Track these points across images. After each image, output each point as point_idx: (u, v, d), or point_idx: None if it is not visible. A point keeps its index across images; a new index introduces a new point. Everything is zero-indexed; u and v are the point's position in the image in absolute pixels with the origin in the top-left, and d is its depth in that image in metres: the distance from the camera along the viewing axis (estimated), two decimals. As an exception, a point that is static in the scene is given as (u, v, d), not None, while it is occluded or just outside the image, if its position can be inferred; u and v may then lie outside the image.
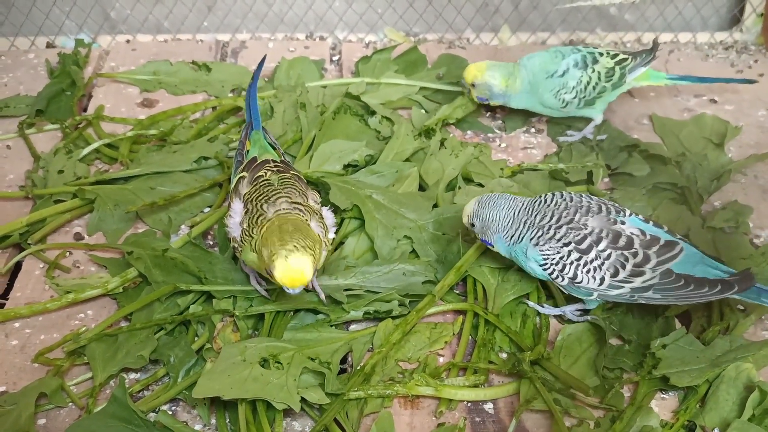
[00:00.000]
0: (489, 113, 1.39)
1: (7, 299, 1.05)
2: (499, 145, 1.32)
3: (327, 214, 0.99)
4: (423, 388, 0.90)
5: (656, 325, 1.00)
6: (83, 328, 0.99)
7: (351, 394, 0.89)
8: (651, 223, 0.96)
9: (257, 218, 0.93)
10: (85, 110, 1.40)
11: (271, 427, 0.87)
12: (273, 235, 0.88)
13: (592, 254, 0.93)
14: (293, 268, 0.86)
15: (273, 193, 0.95)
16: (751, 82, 1.40)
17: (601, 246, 0.93)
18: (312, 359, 0.93)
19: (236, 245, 0.96)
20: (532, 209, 0.97)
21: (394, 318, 0.99)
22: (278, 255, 0.86)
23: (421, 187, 1.18)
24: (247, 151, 1.06)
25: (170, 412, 0.91)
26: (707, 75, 1.49)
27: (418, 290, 1.01)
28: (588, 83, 1.24)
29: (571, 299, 1.01)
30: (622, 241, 0.93)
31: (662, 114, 1.37)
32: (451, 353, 0.98)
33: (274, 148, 1.07)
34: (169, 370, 0.94)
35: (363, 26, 1.63)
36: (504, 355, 0.97)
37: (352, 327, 1.01)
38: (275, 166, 1.00)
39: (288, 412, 0.89)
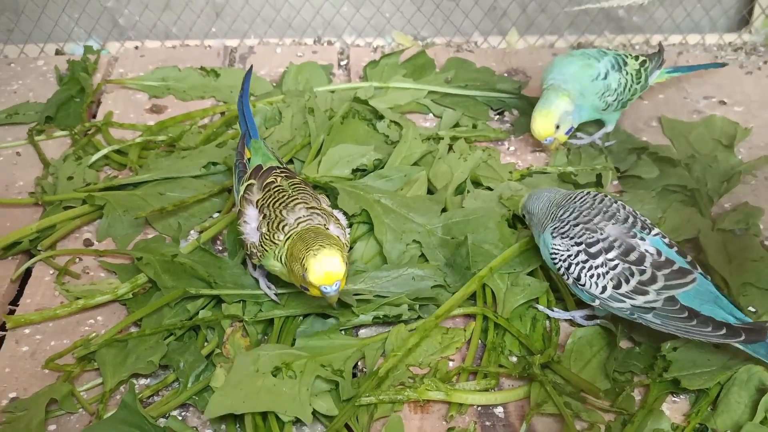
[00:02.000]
0: (498, 117, 1.39)
1: (17, 306, 1.06)
2: (508, 148, 1.32)
3: (340, 215, 1.00)
4: (434, 393, 0.90)
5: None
6: (93, 334, 0.99)
7: (362, 400, 0.89)
8: (675, 249, 0.94)
9: (278, 224, 0.94)
10: (94, 117, 1.41)
11: (281, 432, 0.88)
12: (297, 246, 0.90)
13: (600, 260, 0.92)
14: (326, 264, 0.88)
15: (289, 199, 0.96)
16: (722, 65, 1.45)
17: (611, 255, 0.92)
18: (324, 366, 0.93)
19: (255, 250, 0.96)
20: (563, 201, 0.97)
21: (405, 323, 0.99)
22: (308, 257, 0.88)
23: (430, 191, 1.18)
24: (248, 159, 1.06)
25: (180, 418, 0.92)
26: (716, 77, 1.49)
27: (427, 294, 1.01)
28: (625, 85, 1.24)
29: (581, 304, 1.00)
30: (633, 256, 0.91)
31: (671, 116, 1.37)
32: (461, 357, 0.98)
33: (274, 156, 1.07)
34: (179, 375, 0.94)
35: (371, 30, 1.63)
36: (514, 359, 0.97)
37: (362, 332, 1.01)
38: (282, 172, 1.01)
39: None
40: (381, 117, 1.31)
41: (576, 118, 1.23)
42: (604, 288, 0.92)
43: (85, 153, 1.27)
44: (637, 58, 1.26)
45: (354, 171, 1.20)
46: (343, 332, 1.00)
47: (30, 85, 1.48)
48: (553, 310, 1.01)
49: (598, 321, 0.99)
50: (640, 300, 0.91)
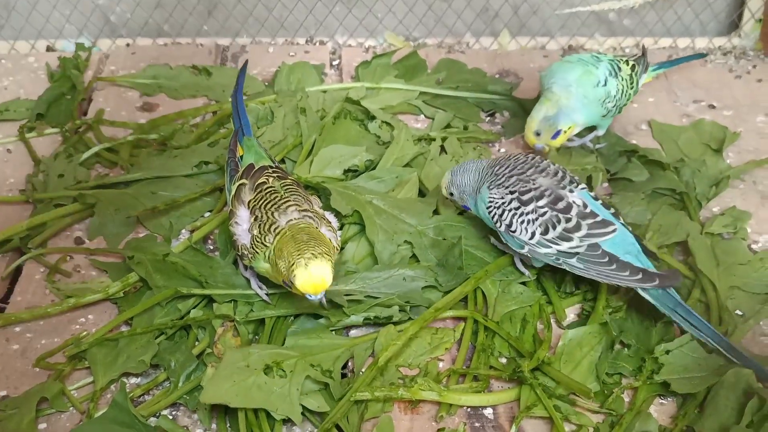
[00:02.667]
0: (489, 118, 1.39)
1: (7, 303, 1.05)
2: (499, 150, 1.32)
3: (331, 218, 1.00)
4: (427, 393, 0.91)
5: (655, 329, 1.00)
6: (84, 333, 0.99)
7: (357, 395, 0.89)
8: (600, 202, 1.01)
9: (269, 226, 0.94)
10: (85, 114, 1.41)
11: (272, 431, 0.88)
12: (288, 246, 0.90)
13: (530, 207, 0.99)
14: (315, 275, 0.88)
15: (281, 201, 0.96)
16: (703, 55, 1.48)
17: (541, 203, 0.99)
18: (314, 366, 0.93)
19: (246, 252, 0.96)
20: (494, 162, 1.04)
21: (395, 324, 0.99)
22: (298, 264, 0.88)
23: (422, 192, 1.18)
24: (240, 157, 1.06)
25: (171, 417, 0.92)
26: (706, 81, 1.49)
27: (418, 296, 1.01)
28: (622, 91, 1.23)
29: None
30: (561, 204, 0.98)
31: (661, 119, 1.38)
32: (451, 358, 0.98)
33: (266, 155, 1.07)
34: (170, 374, 0.94)
35: (363, 31, 1.63)
36: (504, 360, 0.97)
37: (352, 333, 1.01)
38: (274, 172, 1.01)
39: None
40: (373, 118, 1.31)
41: (563, 120, 1.21)
42: (533, 234, 0.98)
43: (76, 151, 1.27)
44: (627, 62, 1.25)
45: (345, 172, 1.20)
46: (333, 332, 1.00)
47: (21, 81, 1.47)
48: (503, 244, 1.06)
49: (526, 272, 1.05)
50: (564, 246, 0.98)
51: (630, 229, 1.01)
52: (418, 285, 1.03)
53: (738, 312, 1.02)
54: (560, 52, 1.60)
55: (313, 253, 0.89)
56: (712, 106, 1.43)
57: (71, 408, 0.92)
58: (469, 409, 0.92)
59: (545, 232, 0.98)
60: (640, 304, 1.03)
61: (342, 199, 1.11)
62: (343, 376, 0.96)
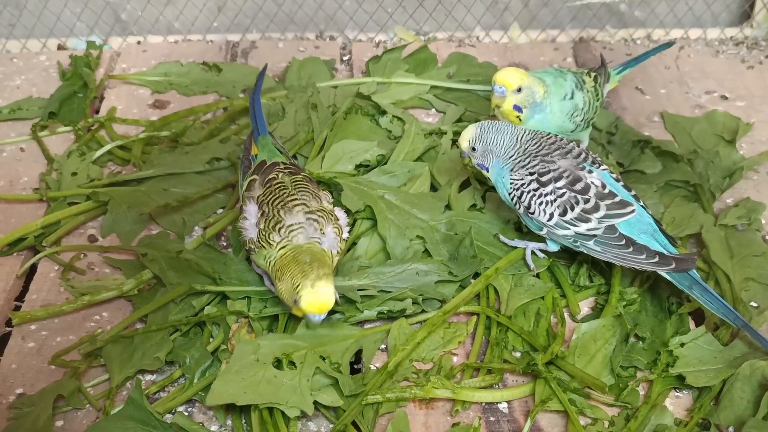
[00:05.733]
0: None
1: (23, 302, 1.06)
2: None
3: (340, 214, 1.00)
4: (440, 391, 0.91)
5: (670, 322, 1.00)
6: (99, 330, 1.00)
7: (368, 398, 0.89)
8: (621, 183, 1.01)
9: (274, 224, 0.94)
10: (97, 112, 1.41)
11: (287, 428, 0.88)
12: (291, 268, 0.91)
13: (549, 188, 0.98)
14: (321, 297, 0.89)
15: (289, 198, 0.96)
16: (669, 44, 1.39)
17: (559, 184, 0.98)
18: (323, 358, 0.93)
19: (252, 246, 0.96)
20: (533, 137, 1.03)
21: (408, 318, 0.99)
22: (303, 287, 0.89)
23: (433, 187, 1.18)
24: (255, 155, 1.07)
25: (186, 413, 0.92)
26: (718, 72, 1.49)
27: (431, 289, 1.01)
28: (589, 103, 1.17)
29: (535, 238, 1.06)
30: (579, 186, 0.98)
31: (673, 111, 1.37)
32: (465, 353, 0.98)
33: (281, 153, 1.07)
34: (185, 371, 0.95)
35: (373, 26, 1.63)
36: (518, 354, 0.97)
37: (365, 326, 1.01)
38: (285, 168, 1.01)
39: (303, 413, 0.90)
40: (384, 112, 1.31)
41: (534, 111, 1.13)
42: (551, 215, 0.98)
43: (89, 149, 1.28)
44: (589, 74, 1.20)
45: (357, 167, 1.20)
46: (345, 323, 1.00)
47: (33, 80, 1.48)
48: (512, 240, 1.07)
49: (533, 266, 1.05)
50: (583, 227, 0.98)
51: (650, 212, 1.01)
52: (431, 279, 1.03)
53: (753, 303, 1.02)
54: (571, 44, 1.59)
55: (317, 275, 0.89)
56: (725, 97, 1.42)
57: (87, 405, 0.92)
58: (483, 404, 0.92)
59: (564, 213, 0.98)
60: (654, 296, 1.02)
61: (354, 194, 1.11)
62: (356, 370, 0.96)
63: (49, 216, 1.14)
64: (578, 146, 1.03)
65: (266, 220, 0.95)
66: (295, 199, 0.97)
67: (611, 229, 0.97)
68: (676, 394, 0.94)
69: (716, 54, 1.55)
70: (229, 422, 0.91)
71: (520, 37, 1.63)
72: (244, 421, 0.91)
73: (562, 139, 1.03)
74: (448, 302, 1.00)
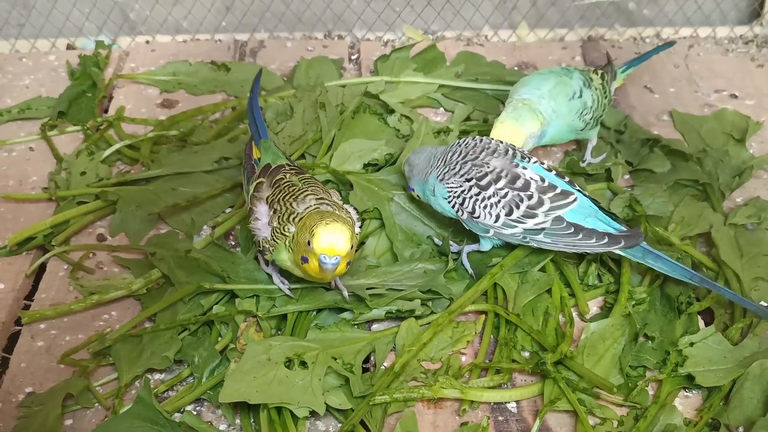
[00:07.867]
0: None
1: (32, 301, 1.06)
2: (519, 142, 1.32)
3: (351, 210, 1.00)
4: (448, 391, 0.91)
5: (679, 321, 0.99)
6: (108, 329, 1.00)
7: (377, 399, 0.89)
8: (553, 172, 1.02)
9: (288, 215, 0.94)
10: (106, 111, 1.41)
11: (296, 427, 0.88)
12: (312, 218, 0.91)
13: (491, 191, 0.99)
14: (333, 236, 0.89)
15: (299, 192, 0.96)
16: (670, 45, 1.42)
17: (500, 184, 0.99)
18: (335, 359, 0.93)
19: (267, 245, 0.96)
20: (447, 148, 1.05)
21: (417, 318, 0.99)
22: (318, 225, 0.89)
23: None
24: (258, 159, 1.07)
25: (195, 413, 0.92)
26: (727, 70, 1.48)
27: (440, 287, 1.01)
28: (597, 101, 1.18)
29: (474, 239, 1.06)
30: (519, 183, 0.99)
31: (682, 110, 1.37)
32: (473, 352, 0.98)
33: (284, 155, 1.07)
34: (194, 370, 0.95)
35: (381, 25, 1.63)
36: (527, 354, 0.97)
37: (374, 327, 1.01)
38: (291, 169, 1.01)
39: (312, 412, 0.90)
40: (392, 111, 1.31)
41: (534, 142, 1.14)
42: (498, 216, 0.99)
43: (98, 148, 1.28)
44: (596, 72, 1.20)
45: (365, 165, 1.20)
46: (355, 327, 1.00)
47: (42, 80, 1.48)
48: (452, 245, 1.07)
49: (460, 258, 1.05)
50: (530, 223, 0.99)
51: (586, 193, 1.02)
52: (439, 277, 1.03)
53: (763, 303, 1.01)
54: (579, 43, 1.59)
55: (335, 219, 0.90)
56: (734, 96, 1.42)
57: (96, 404, 0.93)
58: (492, 403, 0.92)
59: (510, 212, 0.99)
60: (664, 295, 1.02)
61: (363, 193, 1.11)
62: (366, 370, 0.96)
63: (58, 215, 1.14)
64: (502, 143, 1.03)
65: (279, 216, 0.95)
66: (306, 191, 0.97)
67: (558, 220, 0.99)
68: (686, 393, 0.93)
69: (725, 52, 1.54)
70: (237, 421, 0.91)
71: (528, 36, 1.63)
72: (252, 420, 0.91)
73: (482, 140, 1.04)
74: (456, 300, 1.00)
